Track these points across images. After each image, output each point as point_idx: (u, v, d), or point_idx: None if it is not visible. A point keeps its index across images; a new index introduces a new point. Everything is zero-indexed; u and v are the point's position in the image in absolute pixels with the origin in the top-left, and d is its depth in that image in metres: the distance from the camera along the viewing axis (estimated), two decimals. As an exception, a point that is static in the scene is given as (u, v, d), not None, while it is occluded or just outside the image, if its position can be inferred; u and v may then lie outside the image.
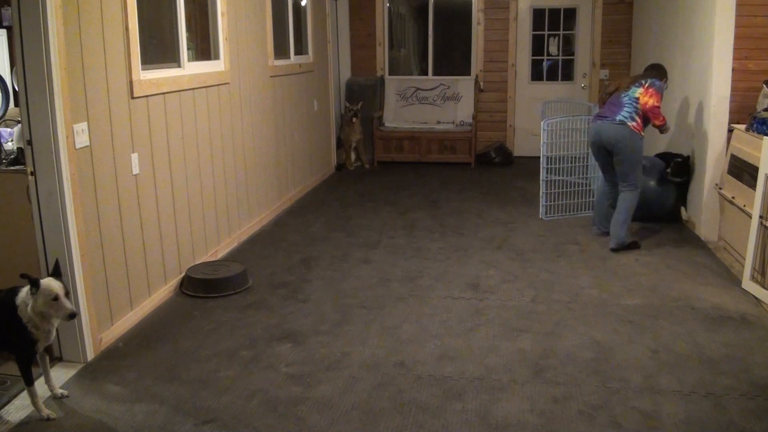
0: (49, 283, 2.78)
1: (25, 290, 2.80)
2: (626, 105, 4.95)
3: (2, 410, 2.94)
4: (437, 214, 6.13)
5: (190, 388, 3.13)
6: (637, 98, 4.94)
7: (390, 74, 8.92)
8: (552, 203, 5.95)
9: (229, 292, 4.25)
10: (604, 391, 3.07)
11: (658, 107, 4.91)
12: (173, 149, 4.27)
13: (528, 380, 3.18)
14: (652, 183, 5.48)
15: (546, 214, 5.91)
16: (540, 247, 5.13)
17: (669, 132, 5.30)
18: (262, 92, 5.75)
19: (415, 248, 5.14)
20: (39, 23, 3.04)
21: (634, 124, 4.89)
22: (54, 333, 2.92)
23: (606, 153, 5.06)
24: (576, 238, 5.36)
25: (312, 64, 7.22)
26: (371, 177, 7.81)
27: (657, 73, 5.14)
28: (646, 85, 4.96)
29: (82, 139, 3.33)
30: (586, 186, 6.14)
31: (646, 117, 4.94)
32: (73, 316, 2.81)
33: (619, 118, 4.92)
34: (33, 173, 3.21)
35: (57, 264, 2.93)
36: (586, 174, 6.26)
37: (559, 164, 6.05)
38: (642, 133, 4.92)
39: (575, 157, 6.19)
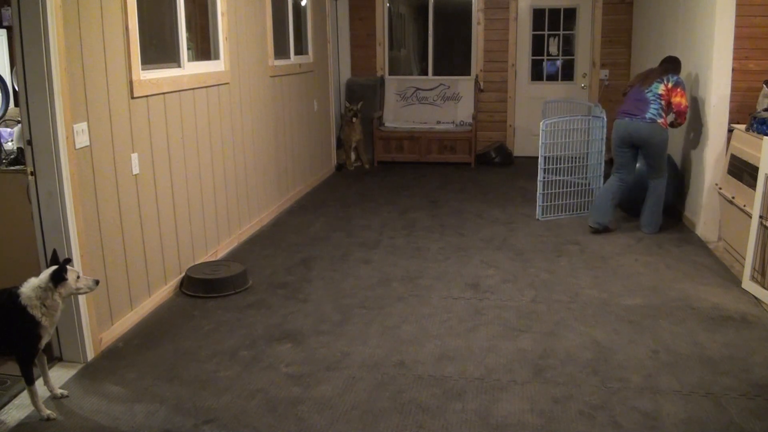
0: (65, 266, 2.85)
1: (30, 286, 2.80)
2: (652, 102, 5.14)
3: (2, 410, 2.94)
4: (437, 214, 6.13)
5: (190, 388, 3.13)
6: (660, 94, 5.13)
7: (390, 74, 8.93)
8: (550, 203, 5.95)
9: (229, 292, 4.25)
10: (604, 391, 3.07)
11: (688, 106, 5.18)
12: (173, 149, 4.27)
13: (528, 380, 3.18)
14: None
15: (542, 214, 5.91)
16: (540, 247, 5.13)
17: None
18: (262, 92, 5.75)
19: (415, 248, 5.14)
20: (39, 23, 3.04)
21: (662, 120, 5.13)
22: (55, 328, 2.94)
23: (633, 148, 5.29)
24: (576, 238, 5.36)
25: (312, 64, 7.22)
26: (371, 177, 7.81)
27: (673, 67, 5.27)
28: (670, 84, 5.12)
29: (82, 139, 3.32)
30: (585, 186, 6.14)
31: (670, 112, 5.19)
32: (98, 282, 2.99)
33: (649, 116, 5.12)
34: (33, 173, 3.21)
35: (55, 253, 2.95)
36: (586, 174, 6.26)
37: (558, 164, 6.05)
38: (667, 126, 5.19)
39: (574, 157, 6.19)
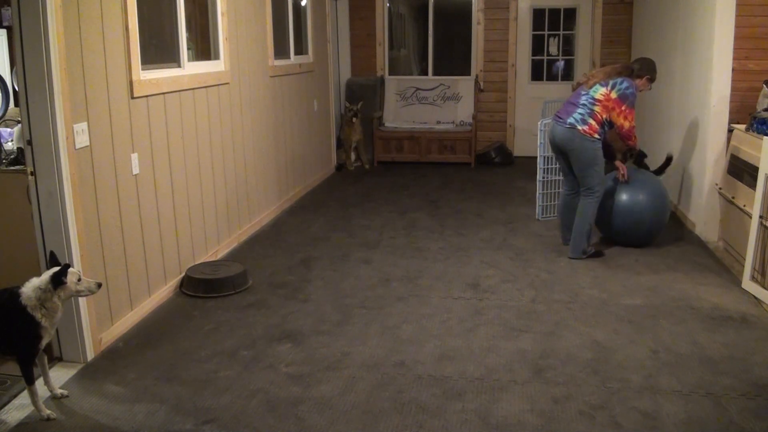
0: (65, 269, 2.84)
1: (30, 287, 2.80)
2: (581, 106, 4.63)
3: (2, 410, 2.94)
4: (437, 214, 6.13)
5: (190, 388, 3.13)
6: (597, 99, 4.59)
7: (390, 74, 8.93)
8: (550, 203, 5.95)
9: (229, 292, 4.25)
10: (604, 391, 3.07)
11: (634, 127, 4.59)
12: (173, 149, 4.27)
13: (528, 380, 3.18)
14: (642, 198, 4.90)
15: (542, 214, 5.90)
16: (540, 247, 5.13)
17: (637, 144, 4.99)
18: (262, 92, 5.75)
19: (415, 248, 5.14)
20: (39, 23, 3.04)
21: (585, 128, 4.58)
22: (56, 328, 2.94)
23: (563, 155, 4.83)
24: (576, 238, 5.35)
25: (312, 64, 7.22)
26: (371, 177, 7.81)
27: (639, 68, 4.69)
28: (613, 94, 4.55)
29: (82, 139, 3.33)
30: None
31: (605, 123, 4.61)
32: (100, 285, 2.98)
33: (570, 120, 4.63)
34: (33, 173, 3.21)
35: (53, 255, 2.95)
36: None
37: (558, 164, 6.03)
38: (596, 136, 4.60)
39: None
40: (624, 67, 4.74)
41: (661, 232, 5.11)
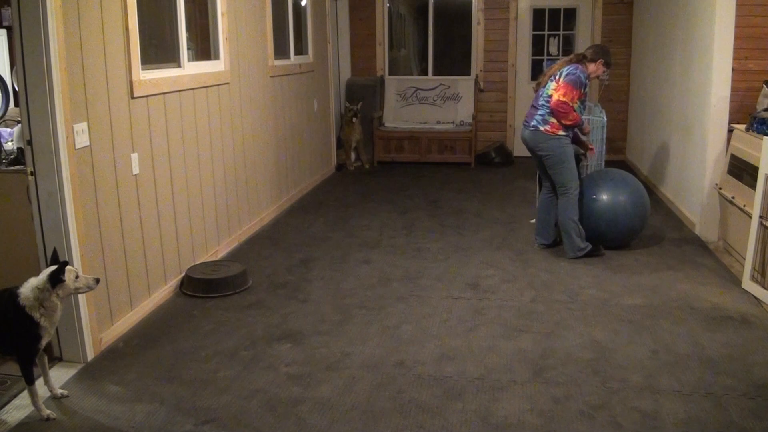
0: (63, 267, 2.84)
1: (29, 287, 2.80)
2: (540, 107, 4.68)
3: (2, 410, 2.94)
4: (437, 214, 6.13)
5: (190, 388, 3.13)
6: (550, 95, 4.61)
7: (390, 74, 8.93)
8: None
9: (229, 292, 4.25)
10: (604, 391, 3.07)
11: (564, 102, 4.51)
12: (173, 149, 4.27)
13: (528, 380, 3.18)
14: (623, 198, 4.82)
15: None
16: (540, 247, 5.12)
17: (589, 131, 4.94)
18: (262, 92, 5.75)
19: (415, 248, 5.14)
20: (39, 23, 3.04)
21: (547, 127, 4.63)
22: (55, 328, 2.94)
23: (536, 156, 4.86)
24: (576, 238, 5.35)
25: (312, 64, 7.22)
26: (371, 177, 7.81)
27: (592, 53, 4.70)
28: (561, 80, 4.58)
29: (82, 139, 3.33)
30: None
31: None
32: (98, 280, 2.98)
33: (533, 123, 4.70)
34: (33, 173, 3.21)
35: (55, 252, 2.96)
36: (586, 174, 6.23)
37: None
38: (560, 133, 4.63)
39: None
40: (575, 55, 4.82)
41: (639, 234, 5.02)
